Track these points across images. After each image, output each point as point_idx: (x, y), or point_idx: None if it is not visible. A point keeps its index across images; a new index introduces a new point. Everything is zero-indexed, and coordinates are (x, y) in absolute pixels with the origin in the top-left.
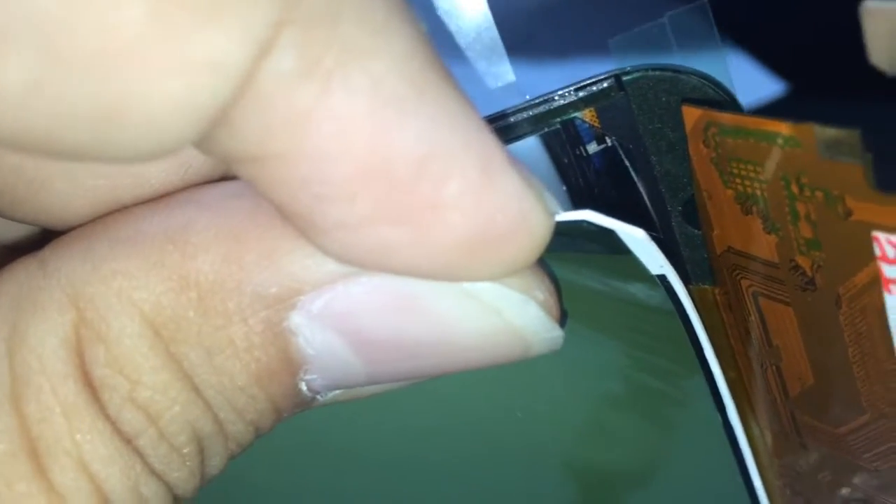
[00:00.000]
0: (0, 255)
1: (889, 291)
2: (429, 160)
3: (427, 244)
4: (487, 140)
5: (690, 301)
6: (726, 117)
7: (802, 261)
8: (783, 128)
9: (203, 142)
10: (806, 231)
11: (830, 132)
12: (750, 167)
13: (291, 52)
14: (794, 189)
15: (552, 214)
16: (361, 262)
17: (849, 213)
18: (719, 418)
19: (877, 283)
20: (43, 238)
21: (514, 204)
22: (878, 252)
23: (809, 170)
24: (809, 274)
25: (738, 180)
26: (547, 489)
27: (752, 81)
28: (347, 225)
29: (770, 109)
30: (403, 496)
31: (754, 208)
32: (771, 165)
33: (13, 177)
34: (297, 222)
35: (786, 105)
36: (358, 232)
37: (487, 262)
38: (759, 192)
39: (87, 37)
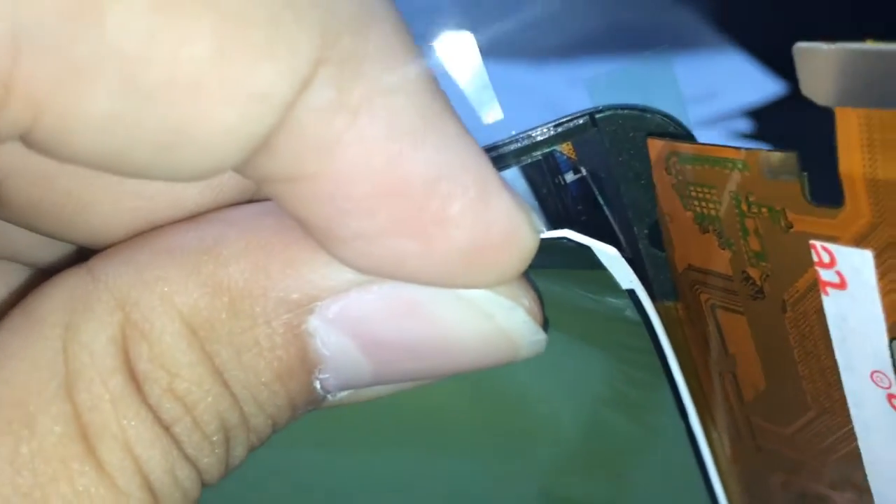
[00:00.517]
0: (36, 275)
1: (826, 293)
2: (437, 181)
3: (433, 254)
4: (485, 165)
5: (656, 313)
6: (685, 147)
7: (752, 272)
8: (734, 153)
9: (243, 164)
10: (755, 244)
11: (774, 155)
12: (706, 190)
13: (327, 86)
14: (744, 207)
15: (538, 231)
16: (375, 270)
17: (790, 226)
18: (683, 425)
19: (815, 287)
20: (77, 259)
21: (507, 220)
22: (815, 258)
23: (756, 189)
24: (759, 283)
25: (696, 202)
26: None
27: (752, 81)
28: (366, 236)
29: (770, 109)
30: None
31: (710, 227)
32: (723, 187)
33: (63, 199)
34: (318, 235)
35: (786, 105)
36: (374, 243)
37: (483, 270)
38: (714, 213)
39: (160, 69)
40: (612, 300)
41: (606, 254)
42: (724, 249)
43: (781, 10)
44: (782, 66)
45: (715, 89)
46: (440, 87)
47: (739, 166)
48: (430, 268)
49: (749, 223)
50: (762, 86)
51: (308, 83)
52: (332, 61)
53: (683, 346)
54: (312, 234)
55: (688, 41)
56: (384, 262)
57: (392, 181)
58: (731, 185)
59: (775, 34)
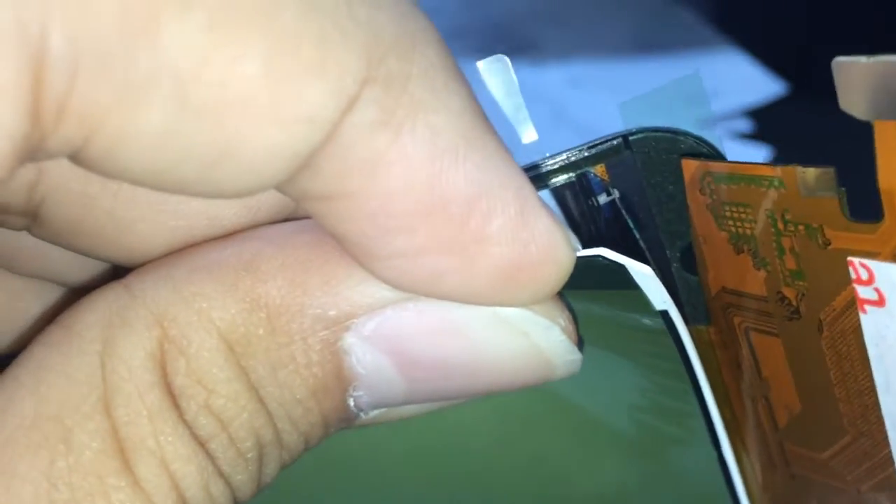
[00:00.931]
0: (70, 294)
1: (863, 311)
2: (477, 199)
3: (471, 272)
4: (524, 183)
5: (689, 335)
6: (720, 166)
7: (788, 291)
8: (770, 171)
9: (286, 182)
10: (791, 263)
11: (810, 171)
12: (741, 209)
13: (372, 105)
14: (780, 225)
15: (575, 250)
16: (413, 288)
17: (827, 243)
18: (714, 453)
19: (853, 305)
20: (111, 278)
21: (546, 238)
22: (853, 275)
23: (792, 206)
24: (794, 303)
25: (730, 222)
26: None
27: (752, 81)
28: (406, 254)
29: (770, 109)
30: None
31: (745, 247)
32: (759, 205)
33: (104, 218)
34: (357, 252)
35: (786, 105)
36: (414, 260)
37: (521, 289)
38: (749, 232)
39: (212, 87)
40: (644, 321)
41: (641, 273)
42: (758, 270)
43: (781, 11)
44: (782, 66)
45: (715, 89)
46: (480, 107)
47: (776, 184)
48: (468, 285)
49: (785, 241)
50: (762, 86)
51: (354, 102)
52: (377, 80)
53: (715, 371)
54: (351, 251)
55: (688, 41)
56: (422, 279)
57: (433, 199)
58: (767, 203)
59: (775, 34)
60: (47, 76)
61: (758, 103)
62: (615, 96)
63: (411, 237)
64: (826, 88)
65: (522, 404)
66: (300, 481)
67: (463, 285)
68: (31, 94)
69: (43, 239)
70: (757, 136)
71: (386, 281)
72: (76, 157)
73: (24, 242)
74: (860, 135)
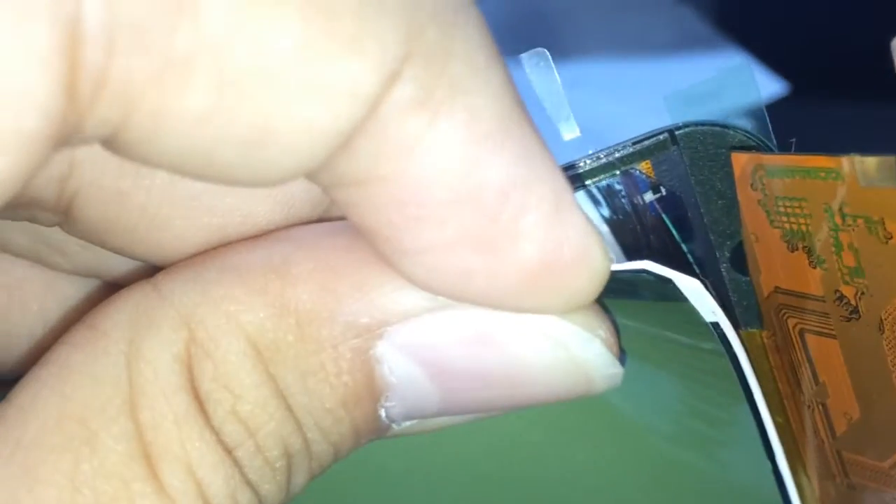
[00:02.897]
0: (98, 289)
1: None
2: (512, 191)
3: (502, 271)
4: (560, 179)
5: (743, 349)
6: (772, 158)
7: (846, 290)
8: (825, 162)
9: (323, 164)
10: (849, 260)
11: (869, 161)
12: (796, 204)
13: (412, 82)
14: (838, 220)
15: (609, 257)
16: (443, 288)
17: (889, 237)
18: (769, 465)
19: None
20: (141, 275)
21: (580, 238)
22: None
23: (851, 199)
24: (853, 303)
25: (784, 219)
26: None
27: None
28: (434, 248)
29: (770, 109)
30: None
31: (800, 244)
32: (815, 199)
33: (136, 215)
34: (386, 247)
35: (786, 105)
36: (443, 256)
37: (553, 292)
38: (804, 228)
39: (251, 63)
40: (691, 333)
41: (688, 286)
42: (815, 268)
43: (781, 11)
44: (782, 66)
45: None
46: (518, 94)
47: (833, 175)
48: (498, 286)
49: (843, 237)
50: (762, 86)
51: (395, 78)
52: (418, 55)
53: (769, 377)
54: (379, 246)
55: (688, 41)
56: (452, 278)
57: (467, 187)
58: (824, 197)
59: (775, 34)
60: (83, 49)
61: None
62: (615, 97)
63: (442, 229)
64: (826, 88)
65: (561, 410)
66: (330, 492)
67: (493, 285)
68: (67, 67)
69: (74, 236)
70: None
71: (415, 280)
72: (112, 142)
73: (55, 238)
74: (861, 135)
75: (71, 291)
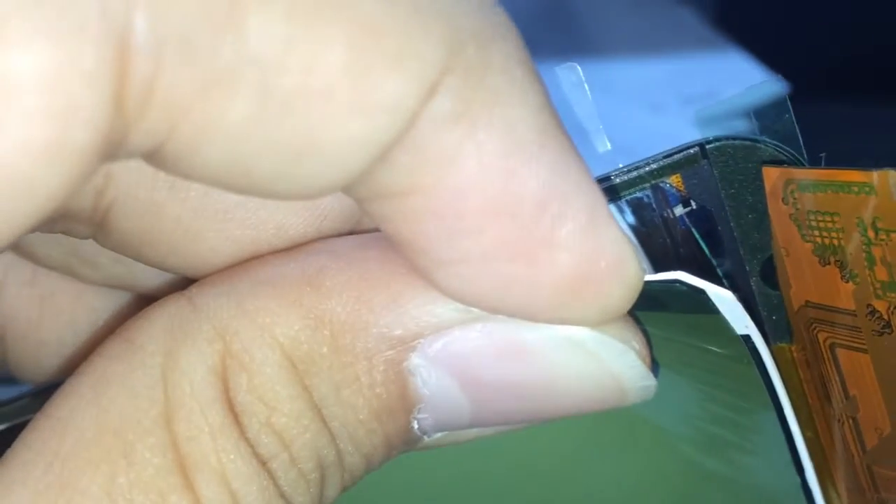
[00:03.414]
0: (133, 302)
1: None
2: (548, 202)
3: (537, 282)
4: (595, 190)
5: (773, 363)
6: (804, 172)
7: (879, 304)
8: (860, 176)
9: (362, 177)
10: (882, 274)
11: None
12: (828, 218)
13: (450, 95)
14: (871, 234)
15: (643, 268)
16: (476, 298)
17: None
18: (798, 479)
19: None
20: (174, 287)
21: (615, 249)
22: None
23: (884, 213)
24: (886, 317)
25: (816, 233)
26: None
27: (751, 81)
28: (471, 259)
29: (770, 109)
30: None
31: (832, 258)
32: (848, 213)
33: (171, 228)
34: (421, 259)
35: (786, 105)
36: (479, 266)
37: (588, 303)
38: (836, 242)
39: (295, 77)
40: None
41: (721, 297)
42: (846, 282)
43: (781, 11)
44: (782, 66)
45: (715, 89)
46: (554, 106)
47: (866, 190)
48: (534, 296)
49: (876, 251)
50: (762, 86)
51: (434, 91)
52: (457, 69)
53: (798, 391)
54: (415, 259)
55: (688, 41)
56: (487, 289)
57: (504, 198)
58: (857, 211)
59: (775, 34)
60: (132, 63)
61: (758, 103)
62: (615, 97)
63: (478, 240)
64: (826, 88)
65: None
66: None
67: (528, 296)
68: (116, 80)
69: (107, 247)
70: (756, 136)
71: (450, 292)
72: (155, 155)
73: (86, 250)
74: (861, 134)
75: (100, 303)
